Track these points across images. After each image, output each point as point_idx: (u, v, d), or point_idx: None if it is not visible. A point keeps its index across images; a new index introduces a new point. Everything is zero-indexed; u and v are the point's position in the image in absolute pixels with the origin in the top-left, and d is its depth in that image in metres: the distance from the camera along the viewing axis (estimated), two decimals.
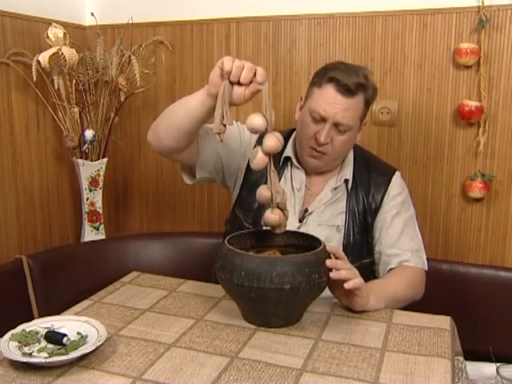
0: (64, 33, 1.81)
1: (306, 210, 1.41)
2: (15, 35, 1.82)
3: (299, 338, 1.05)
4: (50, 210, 2.04)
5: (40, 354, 0.95)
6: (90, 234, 2.00)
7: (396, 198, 1.43)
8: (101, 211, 2.02)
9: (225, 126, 1.07)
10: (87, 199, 1.99)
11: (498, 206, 1.77)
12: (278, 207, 1.11)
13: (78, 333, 1.01)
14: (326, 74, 1.33)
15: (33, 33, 1.88)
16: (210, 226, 2.13)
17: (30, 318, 1.09)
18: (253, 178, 1.41)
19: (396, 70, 1.81)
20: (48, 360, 0.91)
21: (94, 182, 1.98)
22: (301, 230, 1.32)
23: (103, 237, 2.03)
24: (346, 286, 1.09)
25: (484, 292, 1.61)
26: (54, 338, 0.99)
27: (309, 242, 1.16)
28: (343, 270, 1.10)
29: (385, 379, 0.91)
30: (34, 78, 1.78)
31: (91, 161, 1.96)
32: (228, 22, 1.97)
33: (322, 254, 1.09)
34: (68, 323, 1.04)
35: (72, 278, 1.63)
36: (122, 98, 1.96)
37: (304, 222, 1.40)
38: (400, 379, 0.91)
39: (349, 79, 1.30)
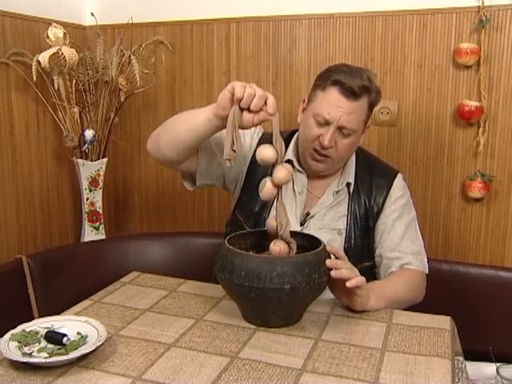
0: (64, 33, 1.81)
1: (308, 214, 1.40)
2: (15, 35, 1.82)
3: (299, 338, 1.05)
4: (50, 210, 2.04)
5: (40, 354, 0.95)
6: (89, 234, 2.01)
7: (398, 201, 1.42)
8: (101, 211, 2.02)
9: (234, 151, 1.07)
10: (87, 199, 1.99)
11: (498, 206, 1.77)
12: (281, 239, 1.11)
13: (78, 333, 1.01)
14: (330, 77, 1.31)
15: (33, 33, 1.88)
16: (210, 226, 2.13)
17: (30, 318, 1.09)
18: (254, 182, 1.39)
19: (396, 70, 1.81)
20: (48, 360, 0.91)
21: (93, 182, 1.98)
22: None
23: (103, 237, 2.03)
24: (349, 284, 1.09)
25: (484, 292, 1.61)
26: (54, 338, 0.99)
27: (309, 242, 1.16)
28: (344, 269, 1.10)
29: (385, 379, 0.91)
30: (34, 78, 1.78)
31: (91, 161, 1.96)
32: (228, 21, 1.97)
33: (322, 254, 1.09)
34: (68, 323, 1.04)
35: (72, 278, 1.63)
36: (122, 98, 1.96)
37: (305, 225, 1.39)
38: (400, 379, 0.91)
39: (353, 82, 1.28)
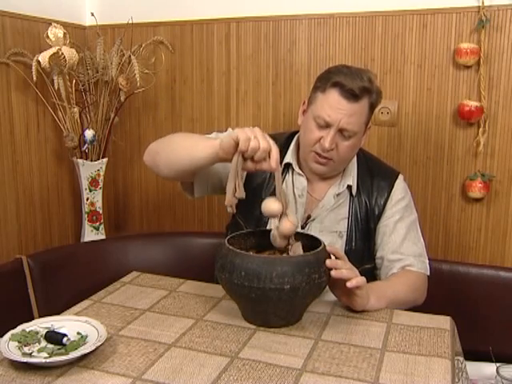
0: (64, 33, 1.81)
1: (309, 217, 1.40)
2: (15, 35, 1.82)
3: (299, 338, 1.05)
4: (50, 210, 2.04)
5: (40, 354, 0.95)
6: (89, 234, 2.00)
7: (399, 202, 1.41)
8: (101, 211, 2.02)
9: (236, 198, 1.09)
10: (87, 199, 1.99)
11: (498, 206, 1.77)
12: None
13: (78, 333, 1.01)
14: (330, 79, 1.30)
15: (33, 33, 1.88)
16: (209, 226, 2.13)
17: (30, 318, 1.09)
18: (253, 186, 1.39)
19: (396, 70, 1.81)
20: (48, 360, 0.91)
21: (93, 182, 1.98)
22: None
23: (103, 237, 2.03)
24: (349, 284, 1.09)
25: (484, 292, 1.61)
26: (54, 338, 0.99)
27: (309, 242, 1.16)
28: (344, 269, 1.10)
29: (385, 379, 0.91)
30: (34, 78, 1.78)
31: (91, 161, 1.96)
32: (228, 21, 1.97)
33: (322, 254, 1.09)
34: (68, 323, 1.04)
35: (72, 277, 1.63)
36: (122, 98, 1.96)
37: (306, 228, 1.38)
38: (400, 379, 0.91)
39: (353, 83, 1.27)
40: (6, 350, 0.93)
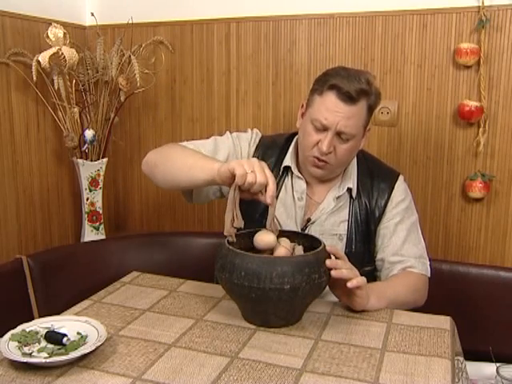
0: (64, 33, 1.81)
1: (309, 220, 1.39)
2: (15, 35, 1.82)
3: (299, 338, 1.05)
4: (50, 210, 2.04)
5: (40, 354, 0.95)
6: (89, 234, 2.00)
7: (400, 204, 1.40)
8: (101, 211, 2.02)
9: (235, 228, 1.11)
10: (87, 199, 1.99)
11: (498, 206, 1.77)
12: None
13: (78, 333, 1.01)
14: (327, 81, 1.29)
15: (33, 33, 1.88)
16: (210, 226, 2.13)
17: (30, 318, 1.09)
18: None
19: (396, 70, 1.81)
20: (48, 360, 0.91)
21: (93, 182, 1.98)
22: None
23: (103, 237, 2.03)
24: (350, 284, 1.09)
25: (484, 292, 1.61)
26: (53, 338, 0.99)
27: (309, 242, 1.16)
28: (344, 269, 1.10)
29: (385, 379, 0.91)
30: (34, 78, 1.78)
31: (91, 161, 1.96)
32: (228, 21, 1.97)
33: (322, 254, 1.09)
34: (68, 323, 1.04)
35: (72, 278, 1.63)
36: (122, 98, 1.96)
37: (306, 231, 1.38)
38: (400, 379, 0.91)
39: (350, 86, 1.26)
40: (5, 349, 0.93)
